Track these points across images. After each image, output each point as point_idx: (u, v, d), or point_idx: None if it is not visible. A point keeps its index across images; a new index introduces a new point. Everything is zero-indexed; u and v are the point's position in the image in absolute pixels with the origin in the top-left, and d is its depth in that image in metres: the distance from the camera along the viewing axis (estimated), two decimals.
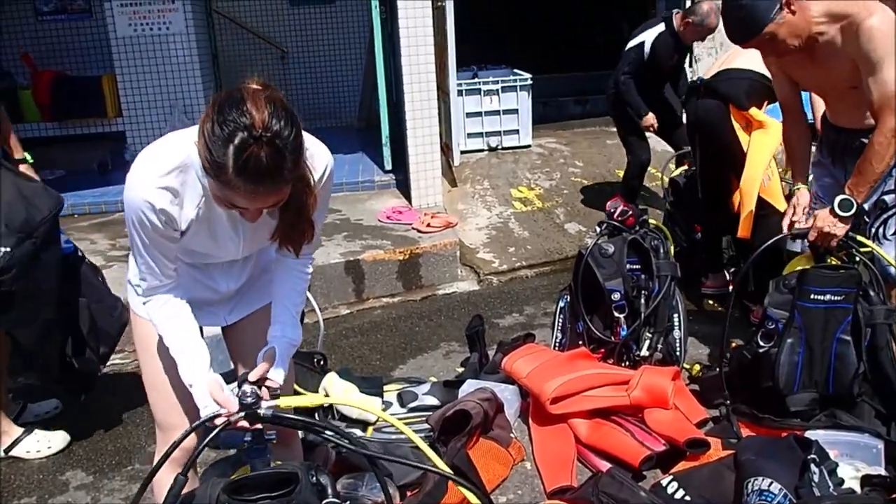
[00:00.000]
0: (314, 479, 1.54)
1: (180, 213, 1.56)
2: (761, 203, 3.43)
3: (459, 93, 5.98)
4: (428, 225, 4.49)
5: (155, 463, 1.68)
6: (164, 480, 1.72)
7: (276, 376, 1.67)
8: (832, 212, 2.51)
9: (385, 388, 2.92)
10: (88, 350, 2.71)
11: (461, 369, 3.24)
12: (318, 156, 1.62)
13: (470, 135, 6.28)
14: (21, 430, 2.77)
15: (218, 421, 1.55)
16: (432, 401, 2.81)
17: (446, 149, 5.90)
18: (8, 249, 2.34)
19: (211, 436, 1.54)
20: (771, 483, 1.99)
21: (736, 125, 3.62)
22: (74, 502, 2.49)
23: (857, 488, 2.15)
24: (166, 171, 1.51)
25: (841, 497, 1.97)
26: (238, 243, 1.70)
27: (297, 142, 1.44)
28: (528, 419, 2.75)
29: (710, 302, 3.92)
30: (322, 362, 2.94)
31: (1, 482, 2.60)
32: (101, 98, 5.75)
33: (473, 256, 4.63)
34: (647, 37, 4.30)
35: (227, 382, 2.68)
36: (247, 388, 1.56)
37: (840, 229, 2.52)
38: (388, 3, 5.24)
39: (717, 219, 3.99)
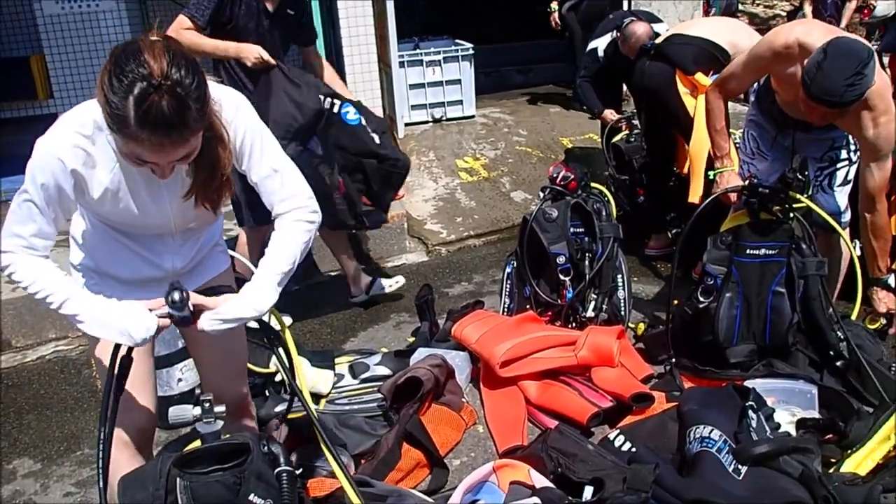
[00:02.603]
0: (266, 448, 1.56)
1: (92, 175, 1.54)
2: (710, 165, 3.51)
3: (401, 64, 5.92)
4: None
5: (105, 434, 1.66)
6: (120, 463, 1.71)
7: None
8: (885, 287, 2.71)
9: (336, 360, 2.92)
10: None
11: (412, 339, 3.26)
12: (224, 100, 1.58)
13: (413, 107, 6.24)
14: None
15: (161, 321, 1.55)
16: (384, 371, 2.82)
17: (390, 121, 5.86)
18: None
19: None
20: (711, 430, 2.07)
21: (683, 89, 3.69)
22: (23, 490, 2.45)
23: (793, 431, 2.26)
24: (78, 133, 1.50)
25: (776, 439, 2.07)
26: (165, 210, 1.66)
27: (201, 91, 1.43)
28: (479, 383, 2.80)
29: (654, 263, 4.02)
30: (272, 337, 2.92)
31: None
32: (31, 80, 5.53)
33: (421, 228, 4.64)
34: (600, 44, 4.41)
35: (172, 363, 2.67)
36: (175, 294, 1.53)
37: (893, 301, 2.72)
38: None
39: (662, 180, 4.09)
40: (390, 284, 3.72)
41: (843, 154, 2.76)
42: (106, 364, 1.72)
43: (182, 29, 3.00)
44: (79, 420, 2.85)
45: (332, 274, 4.08)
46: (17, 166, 5.13)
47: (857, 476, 2.01)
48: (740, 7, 8.89)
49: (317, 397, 2.71)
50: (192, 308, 1.57)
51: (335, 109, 3.23)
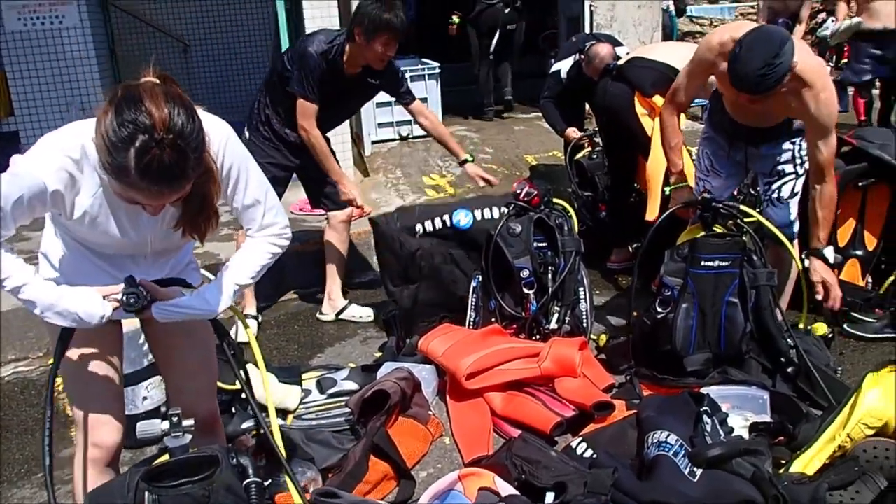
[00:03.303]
0: (234, 461, 1.59)
1: (74, 198, 1.55)
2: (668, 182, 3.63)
3: None
4: None
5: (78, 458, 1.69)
6: (88, 480, 1.73)
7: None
8: (825, 263, 2.79)
9: (304, 376, 2.94)
10: None
11: (379, 354, 3.30)
12: (213, 131, 1.60)
13: (380, 124, 6.33)
14: None
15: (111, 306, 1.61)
16: (351, 385, 2.86)
17: (357, 139, 5.92)
18: None
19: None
20: (668, 435, 2.15)
21: (642, 110, 3.82)
22: None
23: (746, 435, 2.36)
24: (66, 156, 1.51)
25: (729, 443, 2.15)
26: (143, 234, 1.70)
27: (200, 138, 1.46)
28: (446, 396, 2.85)
29: (616, 276, 4.12)
30: (235, 354, 2.95)
31: None
32: None
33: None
34: (564, 66, 4.54)
35: (137, 381, 2.68)
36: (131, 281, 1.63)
37: (832, 276, 2.80)
38: None
39: (623, 196, 4.21)
40: (360, 315, 3.75)
41: (790, 168, 2.89)
42: (70, 381, 1.76)
43: (312, 116, 3.31)
44: (39, 442, 2.81)
45: (299, 291, 4.11)
46: None
47: (804, 476, 2.10)
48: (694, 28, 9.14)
49: (284, 413, 2.73)
50: (147, 296, 1.63)
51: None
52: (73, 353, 1.76)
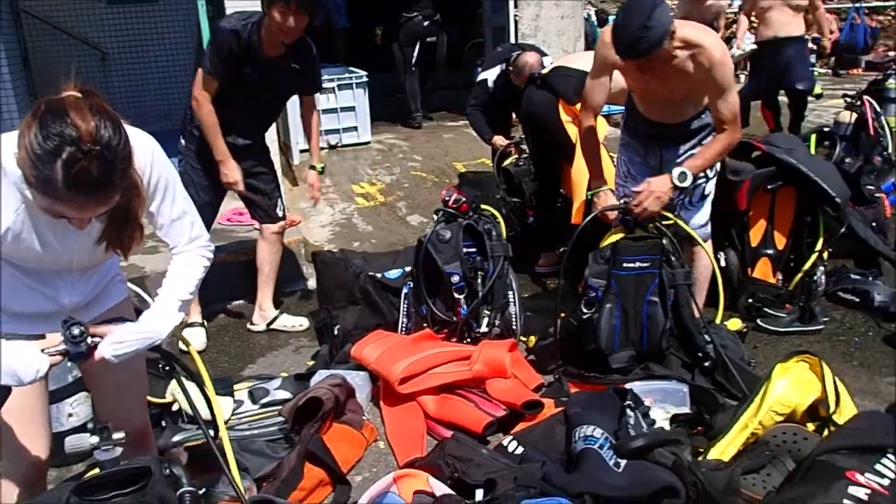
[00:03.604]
0: (167, 471, 1.59)
1: None
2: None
3: None
4: None
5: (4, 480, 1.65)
6: (13, 500, 1.70)
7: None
8: (671, 180, 2.84)
9: (235, 387, 2.93)
10: None
11: (311, 362, 3.31)
12: (138, 145, 1.58)
13: None
14: None
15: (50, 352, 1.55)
16: (284, 395, 2.85)
17: (285, 148, 5.89)
18: None
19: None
20: (594, 429, 2.24)
21: (566, 117, 3.94)
22: None
23: (667, 426, 2.47)
24: None
25: (651, 434, 2.26)
26: (68, 249, 1.67)
27: (126, 149, 1.46)
28: (379, 401, 2.89)
29: (544, 279, 4.23)
30: (167, 367, 2.91)
31: None
32: None
33: None
34: (490, 75, 4.65)
35: (62, 398, 2.61)
36: (75, 329, 1.55)
37: (667, 195, 2.85)
38: (216, 2, 5.15)
39: (549, 201, 4.33)
40: (293, 325, 3.76)
41: (700, 173, 3.04)
42: None
43: (208, 90, 3.22)
44: None
45: (229, 303, 4.07)
46: None
47: (721, 462, 2.23)
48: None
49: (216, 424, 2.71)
50: (89, 342, 1.58)
51: None
52: None
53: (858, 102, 5.69)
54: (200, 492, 1.62)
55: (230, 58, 3.18)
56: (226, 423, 2.72)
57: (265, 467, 2.43)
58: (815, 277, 3.64)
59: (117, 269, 1.96)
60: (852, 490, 1.78)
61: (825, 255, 3.82)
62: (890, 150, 5.75)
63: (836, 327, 3.53)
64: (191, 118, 3.43)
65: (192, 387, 2.13)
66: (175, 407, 2.68)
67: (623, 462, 2.16)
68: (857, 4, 11.16)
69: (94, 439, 1.60)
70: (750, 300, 3.62)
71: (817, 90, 6.07)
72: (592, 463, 2.12)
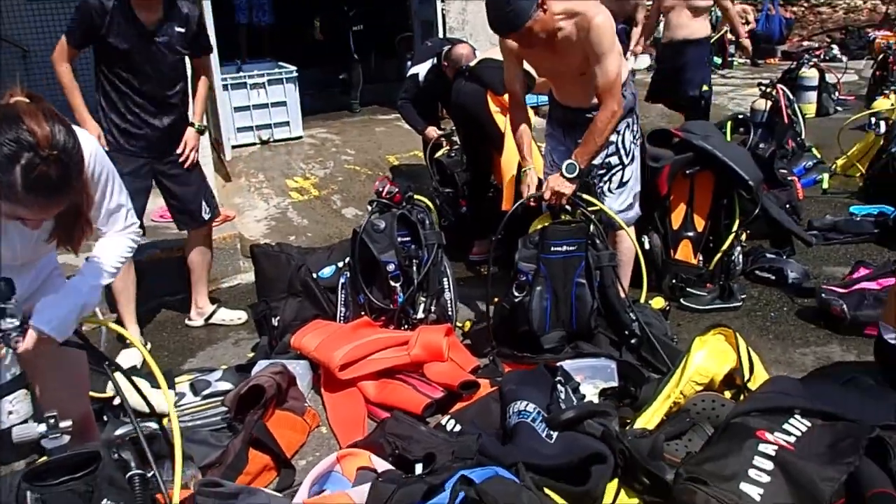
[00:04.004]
0: (116, 455, 1.63)
1: None
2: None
3: (225, 87, 5.96)
4: None
5: None
6: None
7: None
8: (561, 174, 2.97)
9: (176, 380, 2.95)
10: None
11: (252, 354, 3.35)
12: (83, 145, 1.62)
13: (240, 129, 6.29)
14: None
15: None
16: (226, 386, 2.89)
17: (217, 144, 5.85)
18: None
19: None
20: (527, 404, 2.36)
21: (494, 108, 4.06)
22: None
23: (596, 400, 2.61)
24: None
25: (580, 406, 2.40)
26: (13, 246, 1.71)
27: (80, 152, 1.53)
28: (321, 388, 2.95)
29: (478, 267, 4.35)
30: (109, 364, 2.91)
31: None
32: None
33: None
34: (421, 70, 4.72)
35: (3, 395, 2.60)
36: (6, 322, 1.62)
37: (568, 188, 2.98)
38: None
39: (481, 191, 4.45)
40: (231, 318, 3.77)
41: (616, 160, 3.18)
42: None
43: (64, 54, 3.14)
44: None
45: (165, 299, 4.05)
46: None
47: (646, 430, 2.37)
48: None
49: (159, 417, 2.73)
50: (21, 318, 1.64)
51: None
52: None
53: (772, 91, 6.02)
54: (148, 475, 1.67)
55: (91, 31, 3.10)
56: (166, 415, 2.76)
57: (210, 455, 2.46)
58: (732, 257, 3.86)
59: (55, 262, 1.98)
60: (762, 447, 1.93)
61: (743, 236, 4.05)
62: (803, 136, 6.10)
63: (753, 304, 3.75)
64: (103, 113, 3.33)
65: (134, 380, 2.17)
66: (116, 401, 2.68)
67: (555, 434, 2.28)
68: None
69: (42, 428, 1.64)
70: (673, 280, 3.81)
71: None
72: (525, 435, 2.24)
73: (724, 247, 3.80)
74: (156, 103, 3.29)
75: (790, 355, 3.23)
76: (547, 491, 2.01)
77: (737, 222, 3.81)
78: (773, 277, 3.93)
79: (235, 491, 1.99)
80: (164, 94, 3.31)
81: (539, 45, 2.89)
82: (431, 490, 1.79)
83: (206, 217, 3.59)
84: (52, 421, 1.63)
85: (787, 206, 4.55)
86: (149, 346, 3.43)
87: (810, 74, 7.54)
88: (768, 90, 6.04)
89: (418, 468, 2.09)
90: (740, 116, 5.04)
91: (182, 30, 3.24)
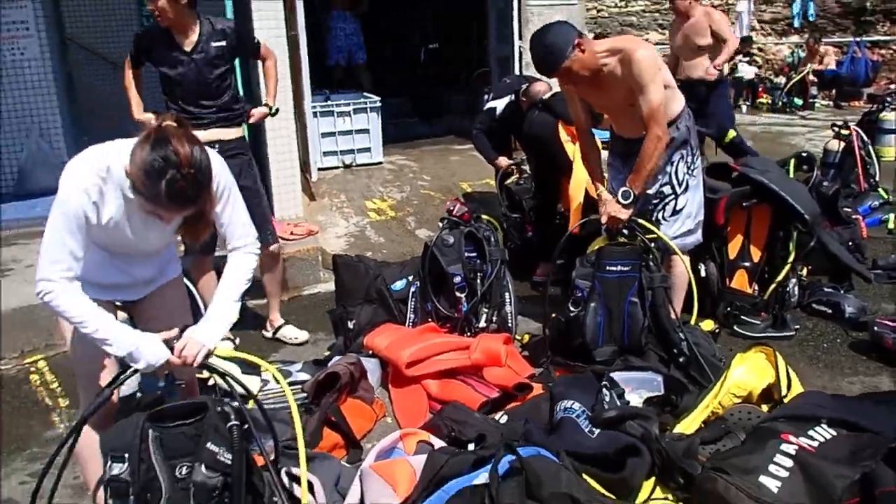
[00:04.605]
0: (220, 409, 1.96)
1: (103, 208, 1.96)
2: (589, 199, 4.12)
3: (314, 114, 6.44)
4: (291, 233, 4.91)
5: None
6: (88, 446, 2.08)
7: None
8: (617, 201, 3.21)
9: (262, 369, 3.30)
10: None
11: (328, 353, 3.68)
12: (213, 164, 2.01)
13: (325, 153, 6.75)
14: None
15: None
16: (305, 376, 3.21)
17: (304, 166, 6.31)
18: None
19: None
20: (573, 403, 2.60)
21: (565, 137, 4.34)
22: None
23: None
24: (97, 175, 1.93)
25: (622, 408, 2.61)
26: (148, 236, 2.11)
27: (210, 169, 1.92)
28: (388, 384, 3.25)
29: (541, 288, 4.58)
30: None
31: None
32: None
33: None
34: (499, 104, 4.99)
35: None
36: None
37: (624, 214, 3.21)
38: (242, 4, 5.54)
39: (548, 216, 4.71)
40: (294, 337, 3.97)
41: (668, 190, 3.37)
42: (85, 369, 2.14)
43: (127, 70, 3.54)
44: (24, 425, 3.14)
45: (251, 303, 4.43)
46: None
47: (683, 435, 2.57)
48: None
49: (246, 400, 3.07)
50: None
51: None
52: (82, 342, 2.11)
53: (847, 132, 6.07)
54: (245, 427, 1.99)
55: (141, 52, 3.52)
56: (254, 396, 3.11)
57: (289, 433, 2.78)
58: (787, 288, 3.98)
59: (174, 252, 2.37)
60: (784, 447, 2.12)
61: (804, 271, 4.17)
62: (877, 178, 6.11)
63: (806, 334, 3.85)
64: None
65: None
66: (210, 382, 3.04)
67: (597, 430, 2.51)
68: (858, 39, 11.62)
69: (162, 383, 1.99)
70: (728, 308, 3.96)
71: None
72: (569, 428, 2.48)
73: (780, 277, 3.93)
74: (198, 107, 3.54)
75: (838, 383, 3.33)
76: (585, 476, 2.23)
77: (792, 255, 3.94)
78: (830, 311, 4.01)
79: (311, 456, 2.30)
80: (207, 97, 3.55)
81: (583, 82, 3.16)
82: (480, 461, 2.05)
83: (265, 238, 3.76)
84: (169, 377, 1.98)
85: (850, 243, 4.61)
86: (238, 340, 3.80)
87: (891, 117, 7.50)
88: (842, 131, 6.10)
89: (470, 447, 2.35)
90: (804, 154, 5.13)
91: (222, 43, 3.52)
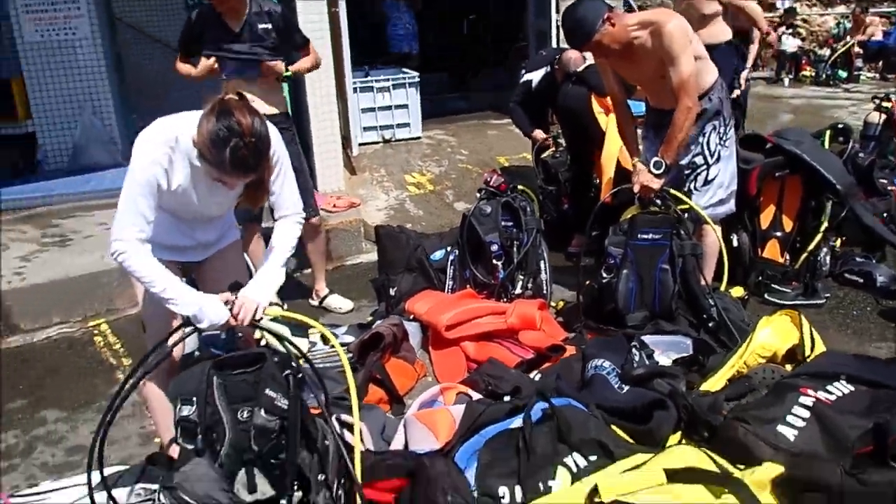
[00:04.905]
0: (276, 359, 2.15)
1: (172, 174, 2.16)
2: (621, 170, 4.23)
3: (354, 90, 6.60)
4: (334, 206, 5.10)
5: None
6: (156, 398, 2.30)
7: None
8: (649, 171, 3.32)
9: (309, 331, 3.50)
10: None
11: (371, 318, 3.87)
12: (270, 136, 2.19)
13: (365, 128, 6.91)
14: None
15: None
16: (349, 338, 3.41)
17: (345, 141, 6.49)
18: None
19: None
20: (604, 361, 2.74)
21: (598, 109, 4.44)
22: (56, 431, 2.99)
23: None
24: (167, 144, 2.13)
25: (651, 366, 2.75)
26: (211, 202, 2.30)
27: (269, 139, 2.10)
28: (428, 347, 3.43)
29: (576, 259, 4.71)
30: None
31: None
32: (11, 100, 5.99)
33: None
34: (535, 76, 5.07)
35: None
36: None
37: (656, 183, 3.32)
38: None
39: (582, 188, 4.82)
40: (339, 306, 4.14)
41: (700, 160, 3.46)
42: (155, 328, 2.34)
43: (180, 73, 3.70)
44: (91, 383, 3.40)
45: (297, 273, 4.64)
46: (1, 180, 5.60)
47: (709, 391, 2.69)
48: None
49: (297, 359, 3.28)
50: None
51: None
52: (153, 303, 2.31)
53: (888, 104, 6.02)
54: (299, 375, 2.18)
55: (192, 40, 3.61)
56: (305, 355, 3.31)
57: (336, 389, 2.98)
58: (819, 257, 4.06)
59: (233, 218, 2.56)
60: (802, 399, 2.23)
61: (837, 242, 4.23)
62: None
63: (837, 303, 3.93)
64: None
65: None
66: (262, 343, 3.25)
67: (626, 387, 2.65)
68: None
69: (224, 336, 2.18)
70: (759, 277, 4.05)
71: None
72: (599, 384, 2.62)
73: (811, 247, 4.00)
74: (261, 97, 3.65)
75: (865, 348, 3.41)
76: (613, 427, 2.38)
77: (824, 224, 4.00)
78: (861, 280, 4.08)
79: (359, 406, 2.48)
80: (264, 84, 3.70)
81: (615, 55, 3.27)
82: (515, 409, 2.21)
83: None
84: (231, 331, 2.18)
85: (885, 214, 4.63)
86: (285, 305, 4.01)
87: None
88: (883, 104, 6.05)
89: (506, 398, 2.51)
90: (840, 126, 5.13)
91: (268, 26, 3.62)
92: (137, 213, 2.12)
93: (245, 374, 2.09)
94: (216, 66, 3.64)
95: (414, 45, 8.88)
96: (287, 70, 3.73)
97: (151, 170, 2.10)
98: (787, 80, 11.06)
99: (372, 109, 6.90)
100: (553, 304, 3.86)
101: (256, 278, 2.31)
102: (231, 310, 2.18)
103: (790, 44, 11.56)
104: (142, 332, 2.77)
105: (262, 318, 2.24)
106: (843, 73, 10.91)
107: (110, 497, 2.12)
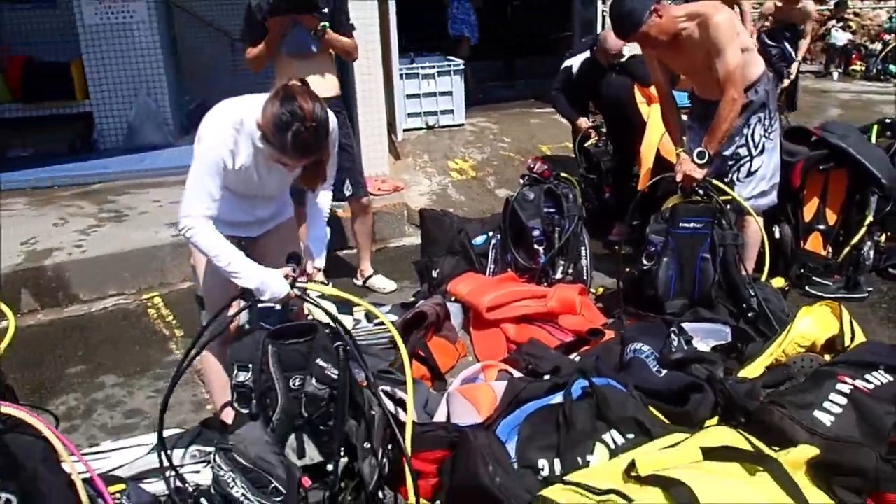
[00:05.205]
0: (328, 331, 2.26)
1: (237, 155, 2.28)
2: (661, 160, 4.26)
3: (400, 77, 6.69)
4: (378, 189, 5.21)
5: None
6: (212, 354, 2.42)
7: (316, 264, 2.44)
8: (692, 160, 3.35)
9: (354, 309, 3.61)
10: None
11: (413, 299, 3.96)
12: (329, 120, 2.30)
13: (409, 114, 7.00)
14: None
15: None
16: (393, 317, 3.50)
17: (390, 126, 6.58)
18: None
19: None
20: (643, 345, 2.80)
21: (640, 98, 4.46)
22: (114, 395, 3.15)
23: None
24: (232, 126, 2.24)
25: (689, 351, 2.79)
26: (271, 181, 2.42)
27: (328, 123, 2.21)
28: (469, 328, 3.51)
29: (616, 247, 4.74)
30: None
31: (45, 385, 3.22)
32: (70, 82, 6.21)
33: (418, 216, 5.35)
34: (575, 62, 5.09)
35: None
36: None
37: (699, 173, 3.35)
38: None
39: (624, 177, 4.84)
40: (383, 287, 4.23)
41: (745, 151, 3.47)
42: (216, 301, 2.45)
43: (249, 57, 3.78)
44: (146, 352, 3.56)
45: (342, 253, 4.76)
46: (56, 158, 5.98)
47: (747, 378, 2.73)
48: None
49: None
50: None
51: None
52: (214, 275, 2.42)
53: None
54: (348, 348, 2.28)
55: (255, 25, 3.67)
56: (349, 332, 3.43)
57: (380, 365, 3.08)
58: (862, 251, 4.04)
59: (289, 197, 2.67)
60: (839, 387, 2.26)
61: (882, 237, 4.20)
62: None
63: (880, 297, 3.92)
64: None
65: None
66: (309, 318, 3.37)
67: (664, 371, 2.70)
68: None
69: (278, 308, 2.30)
70: (801, 270, 4.04)
71: None
72: (638, 367, 2.68)
73: (854, 240, 3.99)
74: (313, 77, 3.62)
75: None
76: (651, 409, 2.44)
77: (868, 218, 3.98)
78: None
79: (403, 380, 2.58)
80: (319, 64, 3.77)
81: (662, 46, 3.29)
82: (555, 387, 2.29)
83: (347, 193, 3.98)
84: (286, 304, 2.29)
85: None
86: (330, 284, 4.12)
87: None
88: None
89: (546, 377, 2.59)
90: (888, 120, 5.06)
91: (324, 10, 3.67)
92: (205, 192, 2.24)
93: (298, 345, 2.20)
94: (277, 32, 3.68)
95: (474, 34, 8.85)
96: (325, 23, 3.70)
97: (219, 150, 2.22)
98: (836, 74, 10.85)
99: (417, 96, 6.98)
100: (593, 290, 3.92)
101: (309, 237, 2.49)
102: (292, 285, 2.29)
103: (840, 37, 11.32)
104: (194, 306, 2.91)
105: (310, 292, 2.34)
106: (894, 69, 10.66)
107: (168, 458, 2.25)
